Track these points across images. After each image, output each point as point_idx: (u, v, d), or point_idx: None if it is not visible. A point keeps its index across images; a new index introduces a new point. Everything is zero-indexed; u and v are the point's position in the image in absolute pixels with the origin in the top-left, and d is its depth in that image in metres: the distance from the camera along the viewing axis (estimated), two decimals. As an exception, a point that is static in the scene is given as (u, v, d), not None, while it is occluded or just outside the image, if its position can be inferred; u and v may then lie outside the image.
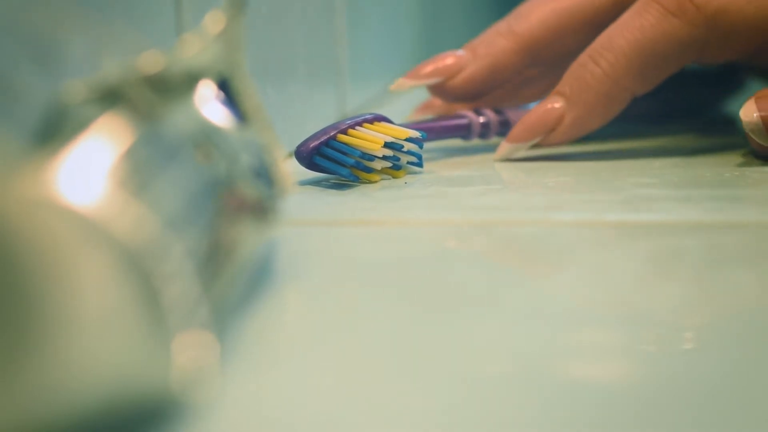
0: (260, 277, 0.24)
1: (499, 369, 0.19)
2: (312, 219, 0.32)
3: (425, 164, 0.39)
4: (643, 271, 0.25)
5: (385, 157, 0.36)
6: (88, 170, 0.16)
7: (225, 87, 0.24)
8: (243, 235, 0.21)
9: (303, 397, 0.18)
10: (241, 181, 0.22)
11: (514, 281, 0.25)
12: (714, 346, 0.20)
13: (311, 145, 0.36)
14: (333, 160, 0.36)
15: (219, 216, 0.20)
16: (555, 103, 0.41)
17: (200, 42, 0.23)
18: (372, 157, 0.36)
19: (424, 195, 0.35)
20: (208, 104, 0.22)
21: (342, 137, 0.36)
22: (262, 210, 0.23)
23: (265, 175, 0.24)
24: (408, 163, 0.37)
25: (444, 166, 0.40)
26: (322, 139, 0.36)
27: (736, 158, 0.40)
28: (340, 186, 0.37)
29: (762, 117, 0.37)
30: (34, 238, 0.14)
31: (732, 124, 0.49)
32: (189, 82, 0.22)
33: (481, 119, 0.43)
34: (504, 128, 0.44)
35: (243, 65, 0.25)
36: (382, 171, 0.37)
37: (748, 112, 0.37)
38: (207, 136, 0.21)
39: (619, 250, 0.27)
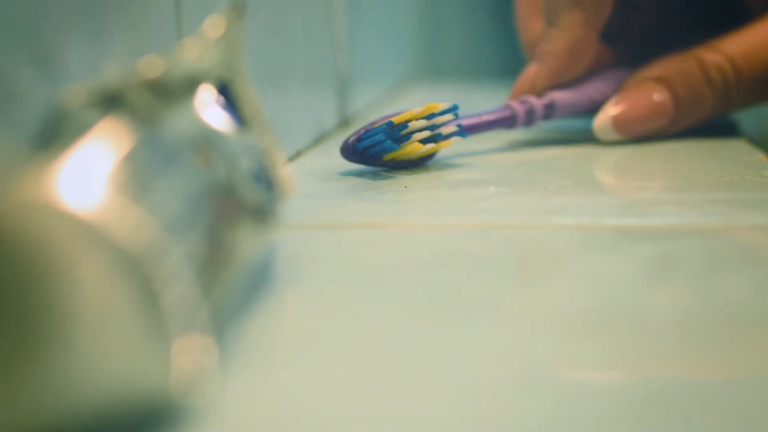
0: (260, 280, 0.24)
1: (498, 373, 0.19)
2: (312, 222, 0.32)
3: (427, 166, 0.39)
4: (642, 275, 0.25)
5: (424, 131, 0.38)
6: (87, 174, 0.16)
7: (225, 91, 0.24)
8: (242, 238, 0.21)
9: (302, 400, 0.18)
10: (241, 185, 0.22)
11: (514, 285, 0.25)
12: (713, 350, 0.20)
13: (351, 139, 0.38)
14: (373, 143, 0.38)
15: (218, 220, 0.20)
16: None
17: (200, 46, 0.23)
18: (409, 134, 0.38)
19: (425, 198, 0.35)
20: (208, 108, 0.22)
21: (376, 125, 0.38)
22: (261, 213, 0.23)
23: (264, 178, 0.24)
24: (449, 134, 0.39)
25: (445, 169, 0.40)
26: (360, 131, 0.38)
27: (735, 162, 0.40)
28: (340, 189, 0.37)
29: (614, 117, 0.44)
30: (33, 242, 0.14)
31: (732, 127, 0.49)
32: (189, 86, 0.22)
33: (524, 107, 0.44)
34: (549, 111, 0.45)
35: (243, 69, 0.25)
36: (423, 144, 0.38)
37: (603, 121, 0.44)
38: (207, 140, 0.21)
39: (619, 254, 0.27)
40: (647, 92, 0.45)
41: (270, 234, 0.23)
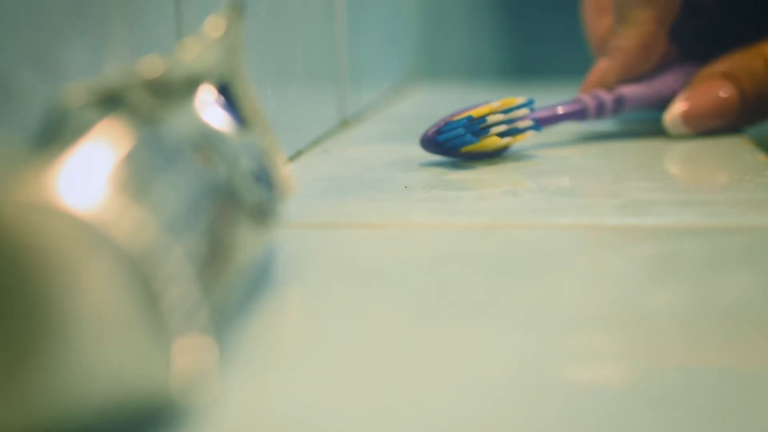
0: (260, 280, 0.24)
1: (500, 372, 0.19)
2: (312, 221, 0.32)
3: (428, 167, 0.39)
4: (642, 275, 0.25)
5: (500, 124, 0.39)
6: (88, 174, 0.16)
7: (225, 91, 0.24)
8: (242, 238, 0.21)
9: (302, 400, 0.18)
10: (241, 184, 0.22)
11: (514, 285, 0.25)
12: (714, 350, 0.20)
13: (431, 131, 0.40)
14: (453, 137, 0.39)
15: (218, 219, 0.20)
16: None
17: (200, 46, 0.23)
18: (487, 127, 0.39)
19: (424, 198, 0.35)
20: (208, 108, 0.22)
21: (455, 118, 0.39)
22: (261, 213, 0.23)
23: (265, 178, 0.24)
24: (525, 128, 0.40)
25: (445, 170, 0.40)
26: (440, 123, 0.39)
27: (735, 162, 0.40)
28: (340, 189, 0.37)
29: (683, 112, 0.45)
30: (34, 241, 0.14)
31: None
32: (189, 86, 0.22)
33: (595, 101, 0.45)
34: (619, 106, 0.45)
35: (243, 69, 0.25)
36: (500, 137, 0.39)
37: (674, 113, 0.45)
38: (207, 139, 0.21)
39: (619, 254, 0.27)
40: (714, 88, 0.46)
41: (270, 234, 0.23)
